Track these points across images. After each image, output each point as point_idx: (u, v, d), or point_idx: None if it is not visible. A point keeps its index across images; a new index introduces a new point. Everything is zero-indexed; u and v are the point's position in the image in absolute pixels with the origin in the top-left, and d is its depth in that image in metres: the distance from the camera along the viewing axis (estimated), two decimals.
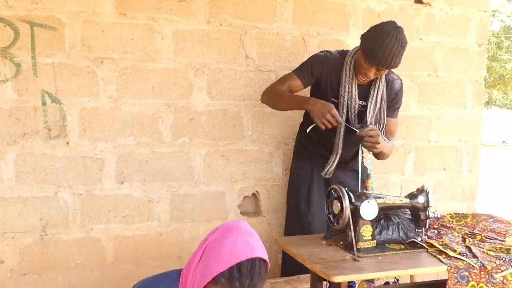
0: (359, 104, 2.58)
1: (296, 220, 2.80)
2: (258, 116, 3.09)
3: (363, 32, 2.47)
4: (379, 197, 1.98)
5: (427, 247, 1.97)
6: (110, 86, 2.76)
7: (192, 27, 2.89)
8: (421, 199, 2.02)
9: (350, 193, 1.92)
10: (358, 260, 1.83)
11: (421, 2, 3.44)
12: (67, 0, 2.64)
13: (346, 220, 1.88)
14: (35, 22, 2.61)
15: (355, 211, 1.91)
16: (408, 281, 2.45)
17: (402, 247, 2.00)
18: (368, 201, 1.92)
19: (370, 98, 2.56)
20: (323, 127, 2.31)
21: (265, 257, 1.34)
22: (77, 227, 2.76)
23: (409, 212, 2.10)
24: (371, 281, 2.39)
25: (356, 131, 2.41)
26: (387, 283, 2.36)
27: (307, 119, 2.84)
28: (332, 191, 1.97)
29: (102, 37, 2.73)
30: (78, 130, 2.73)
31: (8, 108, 2.61)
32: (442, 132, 3.61)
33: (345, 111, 2.55)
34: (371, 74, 2.43)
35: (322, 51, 2.67)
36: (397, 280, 2.37)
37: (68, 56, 2.67)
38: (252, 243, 1.32)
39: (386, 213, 2.09)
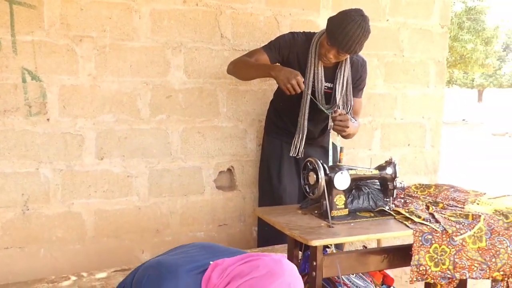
0: (326, 86, 2.69)
1: (268, 195, 2.94)
2: (233, 94, 3.20)
3: (333, 13, 2.60)
4: (351, 169, 2.13)
5: (394, 214, 2.14)
6: (89, 64, 2.81)
7: (169, 6, 2.96)
8: (389, 171, 2.19)
9: (325, 165, 2.07)
10: (333, 227, 1.98)
11: None
12: None
13: (321, 190, 2.03)
14: (14, 0, 2.63)
15: (330, 182, 2.05)
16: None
17: (372, 215, 2.16)
18: (341, 173, 2.07)
19: (337, 81, 2.67)
20: (288, 92, 2.39)
21: None
22: (58, 202, 2.83)
23: (378, 183, 2.26)
24: (340, 247, 2.57)
25: (324, 110, 2.55)
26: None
27: (277, 96, 2.97)
28: (308, 163, 2.11)
29: (81, 15, 2.77)
30: (58, 107, 2.78)
31: None
32: (406, 110, 3.80)
33: (310, 92, 2.66)
34: (331, 56, 2.53)
35: (290, 32, 2.77)
36: (365, 247, 2.54)
37: (48, 34, 2.71)
38: (295, 285, 1.30)
39: (357, 183, 2.24)
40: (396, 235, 1.98)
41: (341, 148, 2.22)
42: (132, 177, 2.99)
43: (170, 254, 1.63)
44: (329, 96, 2.69)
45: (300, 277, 1.39)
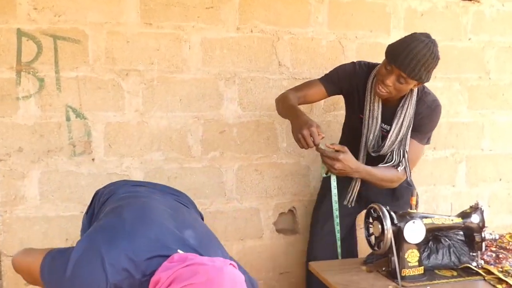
0: (383, 128, 2.30)
1: (319, 239, 2.57)
2: None
3: (406, 34, 2.24)
4: (426, 217, 1.75)
5: (484, 274, 1.72)
6: (136, 99, 2.64)
7: (221, 34, 2.73)
8: (475, 218, 1.78)
9: (392, 213, 1.70)
10: None
11: None
12: (90, 11, 2.54)
13: (388, 244, 1.66)
14: (58, 35, 2.52)
15: (398, 234, 1.68)
16: None
17: (455, 273, 1.75)
18: (413, 222, 1.69)
19: (395, 120, 2.25)
20: (300, 146, 2.00)
21: None
22: None
23: (461, 233, 1.85)
24: None
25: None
26: None
27: (343, 129, 2.63)
28: (372, 210, 1.75)
29: (127, 48, 2.61)
30: (103, 146, 2.61)
31: (32, 124, 2.53)
32: (496, 139, 3.32)
33: (365, 132, 2.29)
34: (389, 83, 2.08)
35: (352, 62, 2.43)
36: None
37: (92, 69, 2.57)
38: None
39: (435, 234, 1.85)
40: None
41: (412, 192, 1.83)
42: None
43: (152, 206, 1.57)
44: (384, 140, 2.29)
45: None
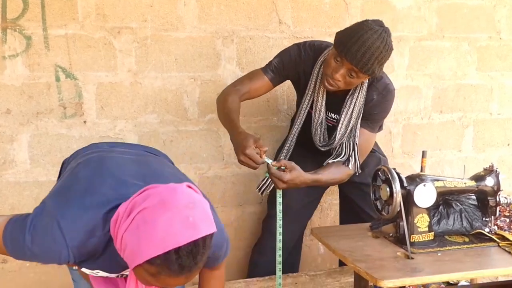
0: (331, 118, 2.15)
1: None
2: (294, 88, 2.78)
3: None
4: (438, 180, 1.64)
5: (497, 239, 1.63)
6: (129, 59, 2.50)
7: None
8: (489, 182, 1.67)
9: (402, 176, 1.59)
10: (412, 258, 1.50)
11: None
12: None
13: (396, 208, 1.56)
14: None
15: (408, 197, 1.58)
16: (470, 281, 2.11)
17: (467, 239, 1.65)
18: (424, 185, 1.58)
19: (344, 110, 2.08)
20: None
21: (211, 230, 1.13)
22: None
23: (474, 197, 1.75)
24: None
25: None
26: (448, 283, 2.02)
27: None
28: (379, 172, 1.64)
29: (119, 4, 2.46)
30: (95, 108, 2.49)
31: (20, 85, 2.40)
32: (505, 103, 3.20)
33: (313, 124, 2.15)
34: (339, 77, 1.92)
35: (297, 45, 2.21)
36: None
37: (82, 27, 2.42)
38: (194, 219, 1.09)
39: (446, 198, 1.75)
40: (500, 272, 1.47)
41: (423, 152, 1.72)
42: None
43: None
44: (333, 130, 2.14)
45: (208, 212, 1.15)
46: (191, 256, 1.07)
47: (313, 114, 2.14)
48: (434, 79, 3.01)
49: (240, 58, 2.67)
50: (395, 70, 2.93)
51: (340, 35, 1.94)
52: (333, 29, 2.77)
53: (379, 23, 1.92)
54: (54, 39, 2.41)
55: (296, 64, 2.15)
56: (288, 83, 2.61)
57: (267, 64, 2.23)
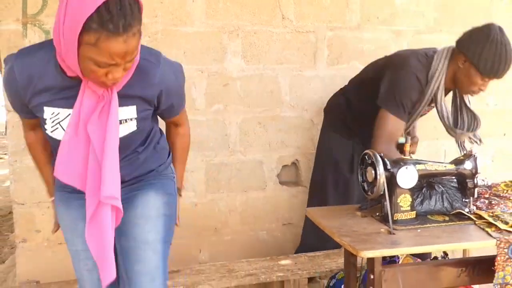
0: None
1: (332, 202, 2.55)
2: (297, 80, 2.92)
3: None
4: (419, 163, 1.77)
5: (475, 218, 1.76)
6: None
7: None
8: (468, 165, 1.80)
9: (386, 159, 1.73)
10: (393, 233, 1.65)
11: None
12: None
13: (380, 189, 1.70)
14: None
15: (391, 179, 1.72)
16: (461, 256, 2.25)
17: (447, 218, 1.79)
18: (406, 168, 1.72)
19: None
20: None
21: None
22: None
23: (455, 181, 1.88)
24: (426, 256, 2.18)
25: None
26: (435, 258, 2.16)
27: (357, 91, 2.52)
28: (366, 156, 1.78)
29: None
30: None
31: None
32: (502, 94, 3.31)
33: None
34: (484, 89, 2.16)
35: (410, 71, 2.15)
36: (446, 255, 2.16)
37: None
38: None
39: (429, 181, 1.88)
40: (474, 245, 1.61)
41: (406, 138, 1.86)
42: (188, 171, 2.79)
43: None
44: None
45: None
46: (121, 14, 1.19)
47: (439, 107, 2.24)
48: None
49: (245, 52, 2.82)
50: None
51: (487, 62, 2.03)
52: (334, 24, 2.93)
53: (501, 30, 2.04)
54: None
55: (420, 93, 2.18)
56: (291, 75, 2.77)
57: (399, 109, 2.14)
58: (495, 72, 2.05)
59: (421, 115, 2.35)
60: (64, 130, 1.41)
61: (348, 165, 2.57)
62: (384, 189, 1.70)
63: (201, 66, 2.76)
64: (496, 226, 1.68)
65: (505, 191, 2.01)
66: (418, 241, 1.60)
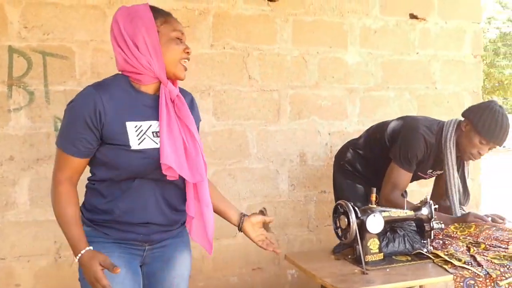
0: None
1: None
2: (263, 134, 3.18)
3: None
4: (384, 211, 2.05)
5: (433, 257, 2.04)
6: None
7: (196, 51, 2.98)
8: (425, 211, 2.10)
9: (356, 208, 2.00)
10: (367, 273, 1.90)
11: (416, 18, 3.54)
12: (77, 30, 2.75)
13: (353, 234, 1.95)
14: (47, 52, 2.71)
15: (362, 225, 1.98)
16: None
17: (409, 258, 2.07)
18: (374, 215, 2.00)
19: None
20: None
21: None
22: None
23: (414, 224, 2.17)
24: None
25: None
26: None
27: (371, 147, 2.74)
28: (339, 206, 2.04)
29: (111, 63, 2.79)
30: None
31: (22, 134, 2.70)
32: None
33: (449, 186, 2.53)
34: (484, 154, 2.41)
35: (421, 137, 2.46)
36: None
37: (79, 83, 2.76)
38: None
39: (392, 226, 2.16)
40: (435, 281, 1.89)
41: (371, 189, 2.14)
42: None
43: None
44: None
45: None
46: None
47: (448, 174, 2.49)
48: None
49: (216, 109, 3.06)
50: (348, 116, 3.38)
51: (489, 129, 2.31)
52: (295, 83, 3.23)
53: (497, 104, 2.38)
54: (54, 94, 2.74)
55: (426, 153, 2.47)
56: (258, 130, 3.01)
57: (401, 160, 2.45)
58: (492, 133, 2.31)
59: (430, 177, 2.68)
60: (151, 139, 1.54)
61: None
62: (356, 234, 1.96)
63: None
64: (451, 263, 1.96)
65: (455, 232, 2.32)
66: (389, 279, 1.85)
